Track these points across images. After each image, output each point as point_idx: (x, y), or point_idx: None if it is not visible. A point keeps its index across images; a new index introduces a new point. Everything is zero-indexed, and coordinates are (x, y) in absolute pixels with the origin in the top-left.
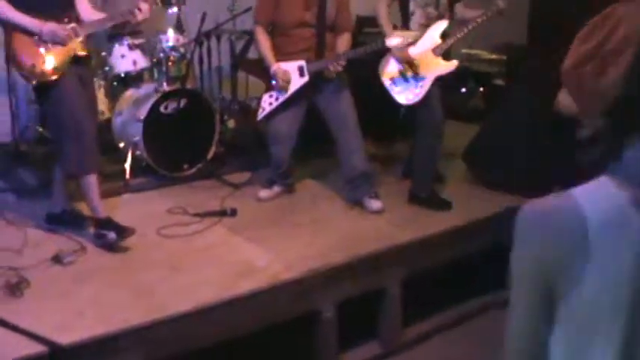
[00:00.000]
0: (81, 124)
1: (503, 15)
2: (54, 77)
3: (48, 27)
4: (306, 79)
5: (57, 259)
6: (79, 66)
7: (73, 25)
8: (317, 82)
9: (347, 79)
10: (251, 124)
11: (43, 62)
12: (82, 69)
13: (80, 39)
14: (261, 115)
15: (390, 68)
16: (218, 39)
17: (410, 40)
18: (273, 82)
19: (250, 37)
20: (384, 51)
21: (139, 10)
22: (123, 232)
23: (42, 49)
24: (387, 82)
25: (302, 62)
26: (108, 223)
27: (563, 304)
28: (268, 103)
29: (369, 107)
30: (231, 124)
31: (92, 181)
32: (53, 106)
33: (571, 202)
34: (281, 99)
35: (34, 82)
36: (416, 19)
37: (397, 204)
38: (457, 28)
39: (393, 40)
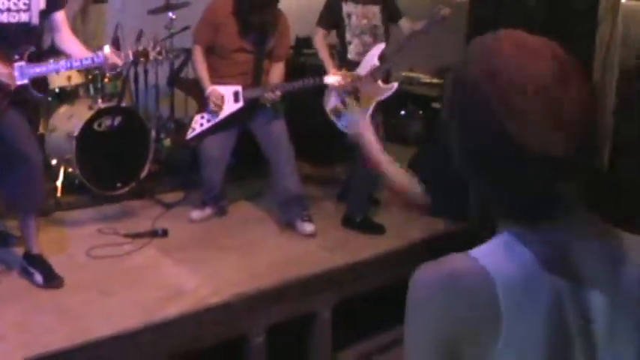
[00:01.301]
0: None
1: (443, 21)
2: None
3: None
4: (240, 104)
5: None
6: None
7: (20, 64)
8: (251, 107)
9: (281, 106)
10: (187, 143)
11: None
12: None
13: (21, 82)
14: (190, 134)
15: (332, 102)
16: None
17: (348, 80)
18: (208, 105)
19: (187, 56)
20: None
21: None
22: (51, 279)
23: None
24: (329, 112)
25: (238, 87)
26: (38, 262)
27: None
28: (199, 124)
29: (308, 130)
30: (167, 142)
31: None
32: None
33: (474, 262)
34: (212, 122)
35: None
36: (353, 47)
37: (330, 227)
38: (409, 38)
39: (331, 78)
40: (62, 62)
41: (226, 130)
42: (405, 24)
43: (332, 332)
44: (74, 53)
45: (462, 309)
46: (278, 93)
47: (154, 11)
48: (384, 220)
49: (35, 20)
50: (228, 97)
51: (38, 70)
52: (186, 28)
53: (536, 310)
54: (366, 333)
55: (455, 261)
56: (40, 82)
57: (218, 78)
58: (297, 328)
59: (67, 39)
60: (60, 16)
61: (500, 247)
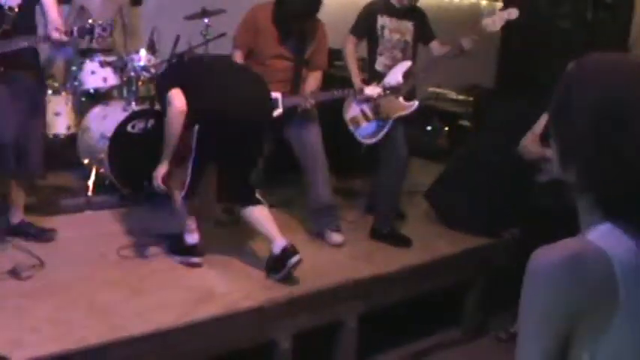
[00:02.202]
0: None
1: (466, 54)
2: None
3: None
4: (279, 111)
5: (14, 273)
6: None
7: None
8: (288, 114)
9: (316, 113)
10: None
11: None
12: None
13: None
14: None
15: (352, 111)
16: None
17: (388, 92)
18: None
19: None
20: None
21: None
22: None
23: None
24: (348, 121)
25: (278, 95)
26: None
27: (585, 353)
28: None
29: (331, 141)
30: None
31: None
32: None
33: (592, 244)
34: None
35: None
36: (382, 60)
37: (358, 238)
38: (426, 66)
39: (370, 89)
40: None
41: None
42: (435, 46)
43: (358, 341)
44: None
45: (585, 287)
46: (312, 102)
47: (191, 17)
48: (411, 233)
49: (11, 2)
50: None
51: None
52: (222, 35)
53: None
54: (392, 342)
55: (573, 244)
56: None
57: None
58: (323, 336)
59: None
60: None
61: (610, 233)
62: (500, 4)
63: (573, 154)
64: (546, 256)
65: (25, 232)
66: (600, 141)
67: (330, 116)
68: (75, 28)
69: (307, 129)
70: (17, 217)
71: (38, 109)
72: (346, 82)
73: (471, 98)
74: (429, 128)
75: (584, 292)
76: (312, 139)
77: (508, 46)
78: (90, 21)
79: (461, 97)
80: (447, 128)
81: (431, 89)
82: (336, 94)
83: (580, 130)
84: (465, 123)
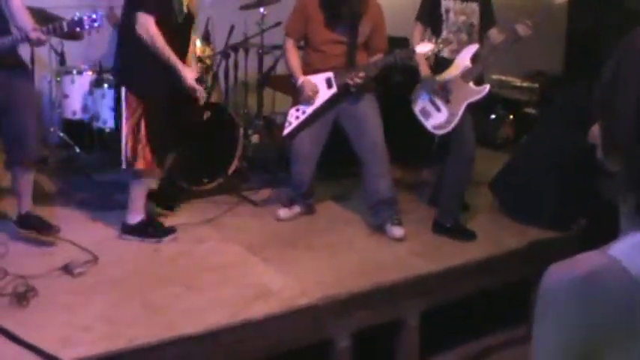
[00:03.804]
0: None
1: (524, 40)
2: None
3: None
4: (334, 90)
5: (67, 269)
6: None
7: None
8: (344, 99)
9: (375, 100)
10: (275, 141)
11: None
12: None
13: None
14: (287, 129)
15: (421, 98)
16: (246, 52)
17: (441, 46)
18: (301, 96)
19: (280, 53)
20: (413, 77)
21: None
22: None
23: None
24: (418, 113)
25: (330, 74)
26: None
27: None
28: (295, 117)
29: (400, 132)
30: (255, 139)
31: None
32: None
33: (614, 262)
34: (308, 112)
35: None
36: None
37: (420, 232)
38: (488, 53)
39: (422, 47)
40: None
41: (319, 124)
42: (493, 34)
43: (420, 339)
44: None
45: (600, 313)
46: (362, 74)
47: (246, 6)
48: (475, 226)
49: None
50: (321, 85)
51: None
52: (277, 24)
53: None
54: (455, 340)
55: (592, 260)
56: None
57: (311, 71)
58: (384, 334)
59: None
60: None
61: (636, 247)
62: None
63: (617, 142)
64: (557, 276)
65: (29, 223)
66: None
67: (394, 102)
68: (64, 23)
69: (364, 114)
70: (23, 207)
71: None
72: (412, 72)
73: (537, 85)
74: (493, 117)
75: (598, 318)
76: (370, 129)
77: (575, 29)
78: (77, 14)
79: (525, 84)
80: (511, 117)
81: (494, 76)
82: (387, 60)
83: (623, 113)
84: (531, 111)
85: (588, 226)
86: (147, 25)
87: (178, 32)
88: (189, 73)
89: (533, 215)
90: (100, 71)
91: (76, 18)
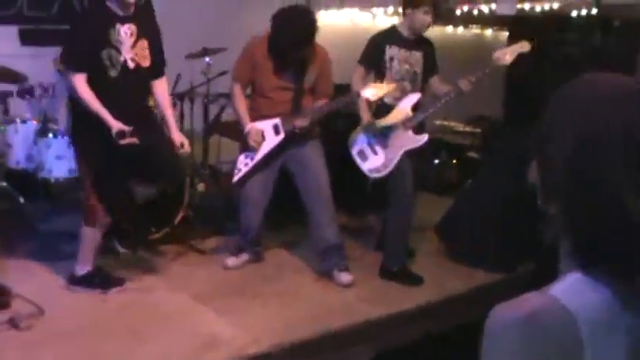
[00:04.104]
0: None
1: (465, 94)
2: None
3: None
4: (281, 136)
5: (12, 323)
6: None
7: None
8: (291, 145)
9: (319, 145)
10: (221, 189)
11: None
12: None
13: None
14: (237, 176)
15: (360, 141)
16: (192, 101)
17: (384, 92)
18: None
19: (226, 101)
20: (355, 123)
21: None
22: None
23: None
24: (355, 155)
25: (277, 120)
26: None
27: None
28: (244, 163)
29: (340, 177)
30: (201, 187)
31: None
32: None
33: (554, 301)
34: (257, 158)
35: None
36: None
37: (368, 278)
38: (430, 102)
39: (367, 92)
40: None
41: (267, 169)
42: (435, 83)
43: None
44: None
45: (543, 353)
46: (307, 119)
47: (192, 56)
48: (421, 270)
49: None
50: (268, 132)
51: None
52: (223, 73)
53: (618, 351)
54: None
55: (533, 300)
56: None
57: (258, 117)
58: None
59: None
60: None
61: (578, 286)
62: (504, 34)
63: (553, 187)
64: (501, 316)
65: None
66: (578, 175)
67: (338, 148)
68: (14, 90)
69: (310, 160)
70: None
71: None
72: (354, 119)
73: (479, 130)
74: (436, 161)
75: (541, 356)
76: (316, 175)
77: (514, 75)
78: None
79: (468, 129)
80: (455, 161)
81: (437, 121)
82: (333, 104)
83: (559, 159)
84: (474, 155)
85: (536, 269)
86: (74, 83)
87: (115, 86)
88: (114, 126)
89: (478, 258)
90: (44, 120)
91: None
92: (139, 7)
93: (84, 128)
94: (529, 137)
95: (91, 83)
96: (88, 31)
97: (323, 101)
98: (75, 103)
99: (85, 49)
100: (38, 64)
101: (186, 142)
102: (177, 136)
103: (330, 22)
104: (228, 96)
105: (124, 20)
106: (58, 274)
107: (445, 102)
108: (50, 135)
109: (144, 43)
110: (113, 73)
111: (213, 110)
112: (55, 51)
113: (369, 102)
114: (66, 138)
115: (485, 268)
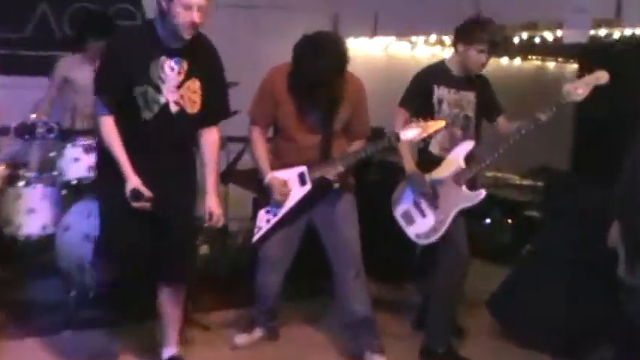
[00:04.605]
0: None
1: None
2: None
3: None
4: (308, 187)
5: None
6: None
7: None
8: (320, 198)
9: (353, 199)
10: (229, 252)
11: None
12: None
13: None
14: (257, 235)
15: (405, 199)
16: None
17: (430, 132)
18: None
19: (243, 147)
20: (398, 176)
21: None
22: None
23: None
24: (399, 216)
25: (303, 168)
26: None
27: None
28: (265, 220)
29: (378, 241)
30: (204, 250)
31: None
32: None
33: None
34: (280, 214)
35: None
36: (438, 140)
37: None
38: (485, 152)
39: (409, 133)
40: None
41: (291, 225)
42: (502, 122)
43: None
44: None
45: None
46: (340, 168)
47: None
48: (471, 353)
49: None
50: (292, 182)
51: None
52: (234, 113)
53: None
54: None
55: None
56: None
57: (281, 165)
58: None
59: None
60: None
61: None
62: (571, 67)
63: None
64: None
65: None
66: None
67: (370, 203)
68: (12, 126)
69: (340, 217)
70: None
71: None
72: (390, 167)
73: (540, 183)
74: (488, 222)
75: None
76: (346, 231)
77: (587, 115)
78: (33, 116)
79: (526, 183)
80: (510, 221)
81: (489, 174)
82: (369, 148)
83: None
84: (533, 214)
85: (616, 354)
86: (100, 124)
87: (147, 131)
88: (131, 182)
89: (541, 341)
90: (14, 166)
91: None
92: (195, 39)
93: (109, 167)
94: (606, 192)
95: (121, 124)
96: (123, 61)
97: (358, 144)
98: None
99: (117, 83)
100: (10, 96)
101: (217, 213)
102: (211, 204)
103: (360, 52)
104: (242, 140)
105: (172, 53)
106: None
107: (505, 148)
108: (20, 183)
109: (195, 84)
110: (147, 115)
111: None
112: (32, 82)
113: (413, 144)
114: (40, 187)
115: (549, 353)
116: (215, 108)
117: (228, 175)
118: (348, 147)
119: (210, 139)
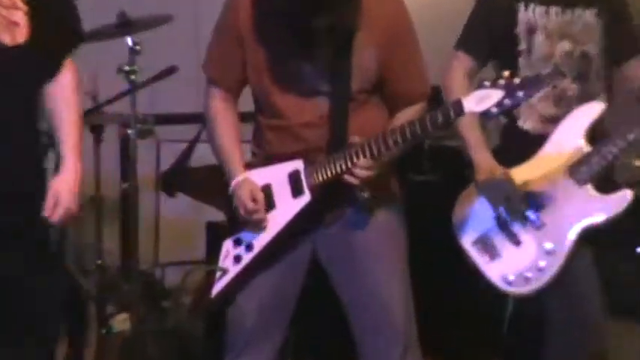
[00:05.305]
0: None
1: None
2: None
3: None
4: (306, 198)
5: None
6: None
7: None
8: (329, 216)
9: (402, 224)
10: (164, 324)
11: None
12: None
13: None
14: (218, 285)
15: (478, 216)
16: (97, 132)
17: (518, 95)
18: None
19: (199, 131)
20: (462, 174)
21: None
22: None
23: None
24: (469, 246)
25: (296, 164)
26: None
27: None
28: (233, 257)
29: (433, 293)
30: (121, 320)
31: None
32: None
33: None
34: (257, 248)
35: None
36: (534, 105)
37: None
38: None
39: (477, 100)
40: None
41: (280, 268)
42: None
43: None
44: None
45: None
46: (369, 162)
47: (98, 36)
48: None
49: None
50: (279, 189)
51: None
52: (171, 72)
53: None
54: None
55: None
56: None
57: (264, 158)
58: None
59: None
60: None
61: None
62: None
63: None
64: None
65: None
66: None
67: (419, 229)
68: None
69: (371, 256)
70: None
71: None
72: (453, 163)
73: None
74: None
75: None
76: (383, 278)
77: None
78: None
79: None
80: None
81: (638, 163)
82: (410, 131)
83: None
84: None
85: None
86: None
87: None
88: None
89: None
90: None
91: None
92: None
93: None
94: None
95: None
96: None
97: (408, 114)
98: None
99: None
100: None
101: (66, 198)
102: (59, 184)
103: None
104: (196, 120)
105: None
106: None
107: None
108: None
109: None
110: None
111: (146, 152)
112: None
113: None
114: None
115: None
116: (62, 36)
117: (172, 180)
118: (386, 122)
119: (59, 92)
